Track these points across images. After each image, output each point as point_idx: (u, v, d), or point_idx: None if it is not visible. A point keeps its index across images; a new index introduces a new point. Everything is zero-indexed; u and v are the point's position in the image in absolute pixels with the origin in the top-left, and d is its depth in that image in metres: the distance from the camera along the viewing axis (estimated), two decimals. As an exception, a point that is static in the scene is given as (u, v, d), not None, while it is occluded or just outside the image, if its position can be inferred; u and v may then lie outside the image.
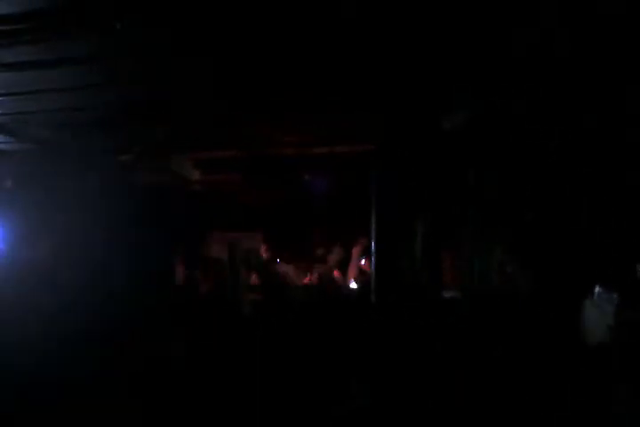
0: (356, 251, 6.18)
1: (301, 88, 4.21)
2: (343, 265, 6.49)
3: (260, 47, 3.58)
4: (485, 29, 3.18)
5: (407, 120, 3.44)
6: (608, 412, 3.12)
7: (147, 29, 3.41)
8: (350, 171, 5.89)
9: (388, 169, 3.26)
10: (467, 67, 3.56)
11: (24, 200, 5.84)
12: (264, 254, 6.43)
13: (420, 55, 3.47)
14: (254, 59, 3.74)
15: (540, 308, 3.75)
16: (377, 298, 3.21)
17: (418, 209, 3.41)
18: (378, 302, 3.26)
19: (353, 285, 6.11)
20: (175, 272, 6.10)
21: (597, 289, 3.54)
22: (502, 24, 3.07)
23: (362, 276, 6.21)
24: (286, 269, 5.33)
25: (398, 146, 3.38)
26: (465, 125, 3.69)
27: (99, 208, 5.53)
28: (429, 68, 3.54)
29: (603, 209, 4.14)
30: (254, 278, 6.10)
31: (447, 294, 3.93)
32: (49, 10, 3.55)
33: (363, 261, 6.29)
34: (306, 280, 5.67)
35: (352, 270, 6.11)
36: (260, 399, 3.84)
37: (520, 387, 3.29)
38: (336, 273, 6.52)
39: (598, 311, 3.45)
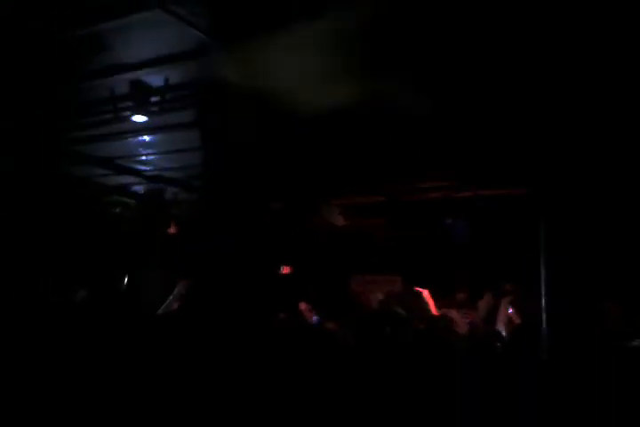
0: (505, 300, 5.95)
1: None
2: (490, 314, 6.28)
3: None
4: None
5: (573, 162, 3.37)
6: None
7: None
8: (494, 215, 5.79)
9: (559, 213, 3.18)
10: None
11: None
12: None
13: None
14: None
15: None
16: (553, 352, 3.04)
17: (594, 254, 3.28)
18: (554, 357, 3.08)
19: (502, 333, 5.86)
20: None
21: None
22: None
23: (509, 326, 5.95)
24: (452, 315, 5.18)
25: (568, 188, 3.31)
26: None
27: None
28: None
29: None
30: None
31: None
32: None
33: (510, 310, 6.03)
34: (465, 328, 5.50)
35: (501, 319, 5.88)
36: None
37: None
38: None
39: None
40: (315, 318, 5.85)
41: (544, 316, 3.11)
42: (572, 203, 3.22)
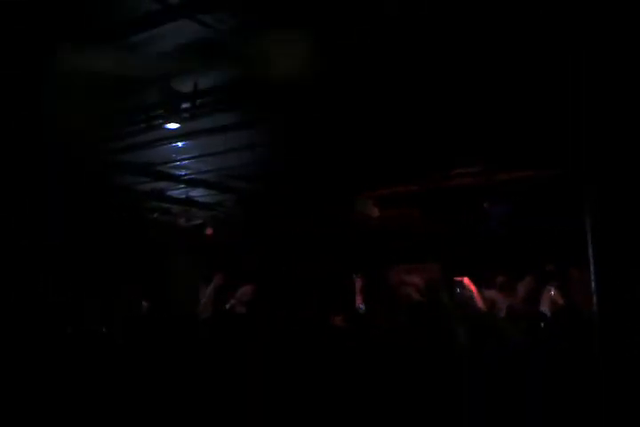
0: (550, 283, 5.88)
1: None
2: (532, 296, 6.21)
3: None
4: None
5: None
6: None
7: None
8: (533, 197, 5.71)
9: (605, 192, 3.13)
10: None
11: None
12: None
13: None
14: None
15: None
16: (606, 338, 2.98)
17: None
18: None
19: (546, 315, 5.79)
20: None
21: None
22: None
23: (553, 306, 5.86)
24: (494, 296, 5.10)
25: (613, 167, 3.25)
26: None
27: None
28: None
29: None
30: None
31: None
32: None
33: (552, 292, 5.94)
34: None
35: (546, 301, 5.82)
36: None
37: None
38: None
39: None
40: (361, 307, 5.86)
41: (594, 299, 3.07)
42: (617, 183, 3.17)
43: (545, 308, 5.84)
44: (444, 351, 4.09)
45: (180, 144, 5.41)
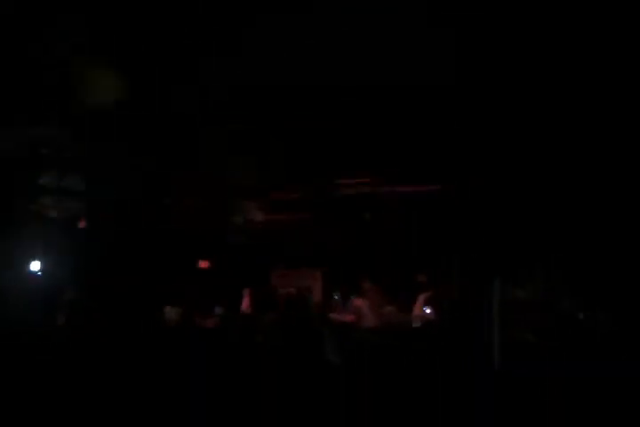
0: (423, 296, 6.14)
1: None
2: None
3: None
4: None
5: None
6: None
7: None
8: (416, 210, 5.96)
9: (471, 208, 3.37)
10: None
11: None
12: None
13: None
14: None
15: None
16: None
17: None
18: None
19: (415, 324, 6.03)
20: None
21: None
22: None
23: (423, 319, 6.12)
24: (361, 305, 5.25)
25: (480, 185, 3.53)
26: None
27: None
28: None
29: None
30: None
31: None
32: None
33: (428, 311, 6.20)
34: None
35: (417, 313, 6.08)
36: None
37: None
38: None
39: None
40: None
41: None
42: (482, 198, 3.42)
43: (415, 318, 6.12)
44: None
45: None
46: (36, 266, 6.41)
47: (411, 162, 5.11)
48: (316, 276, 8.16)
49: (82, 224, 7.19)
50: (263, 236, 6.79)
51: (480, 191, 3.59)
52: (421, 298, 5.96)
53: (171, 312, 5.49)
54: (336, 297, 7.27)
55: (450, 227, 3.96)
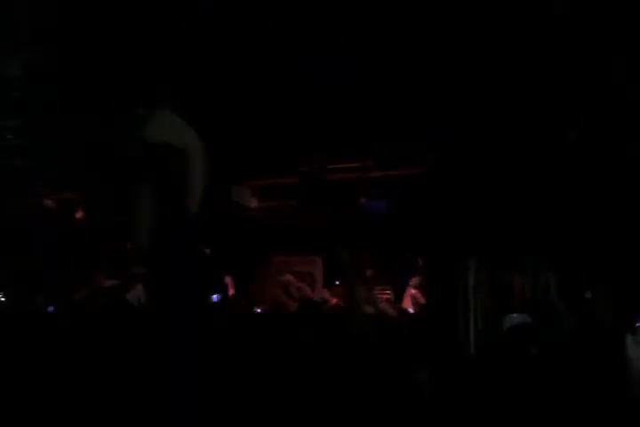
0: (414, 280, 6.10)
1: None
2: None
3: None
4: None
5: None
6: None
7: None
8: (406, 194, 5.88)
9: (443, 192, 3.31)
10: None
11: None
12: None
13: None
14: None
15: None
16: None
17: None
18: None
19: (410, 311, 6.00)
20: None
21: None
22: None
23: (415, 306, 6.10)
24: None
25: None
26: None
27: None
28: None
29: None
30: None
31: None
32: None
33: (413, 291, 6.17)
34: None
35: (408, 299, 6.05)
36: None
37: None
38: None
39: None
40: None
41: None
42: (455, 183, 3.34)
43: (408, 304, 6.08)
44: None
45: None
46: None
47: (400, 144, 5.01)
48: (316, 263, 8.12)
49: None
50: (258, 222, 6.74)
51: (467, 173, 3.50)
52: (413, 282, 5.92)
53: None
54: (337, 284, 7.23)
55: (436, 209, 3.88)
